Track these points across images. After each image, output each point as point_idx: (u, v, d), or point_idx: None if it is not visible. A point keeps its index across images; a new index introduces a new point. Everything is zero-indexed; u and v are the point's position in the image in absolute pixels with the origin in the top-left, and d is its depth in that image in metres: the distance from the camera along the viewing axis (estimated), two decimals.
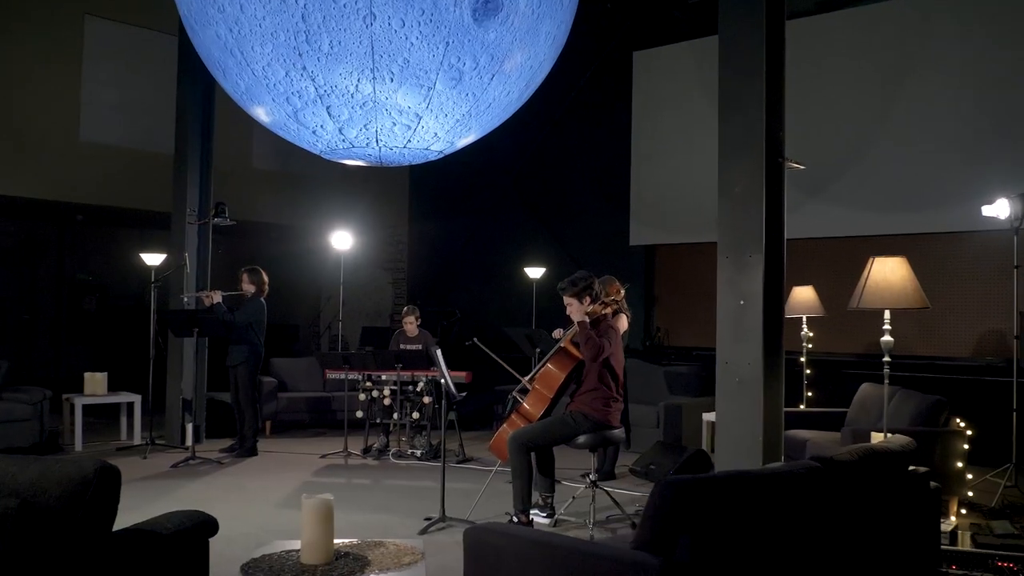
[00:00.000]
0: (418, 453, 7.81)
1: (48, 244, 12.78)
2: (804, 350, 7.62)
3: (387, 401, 7.89)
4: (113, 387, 8.59)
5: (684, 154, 10.22)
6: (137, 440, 8.38)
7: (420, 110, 4.41)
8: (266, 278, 8.03)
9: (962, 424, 5.95)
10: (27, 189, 9.82)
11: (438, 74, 4.25)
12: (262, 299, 7.95)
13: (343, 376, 8.10)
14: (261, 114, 4.73)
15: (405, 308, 8.71)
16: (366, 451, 8.01)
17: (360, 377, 8.00)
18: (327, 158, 4.95)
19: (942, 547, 4.10)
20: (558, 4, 4.49)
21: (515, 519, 5.27)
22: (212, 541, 3.19)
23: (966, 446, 5.73)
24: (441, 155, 4.96)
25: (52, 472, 2.59)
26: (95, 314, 13.15)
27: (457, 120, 4.59)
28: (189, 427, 8.22)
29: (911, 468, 3.65)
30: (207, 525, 3.14)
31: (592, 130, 11.58)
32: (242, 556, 4.51)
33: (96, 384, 8.36)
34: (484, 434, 8.75)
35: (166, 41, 9.24)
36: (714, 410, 5.39)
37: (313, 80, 4.24)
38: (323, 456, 7.93)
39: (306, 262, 12.60)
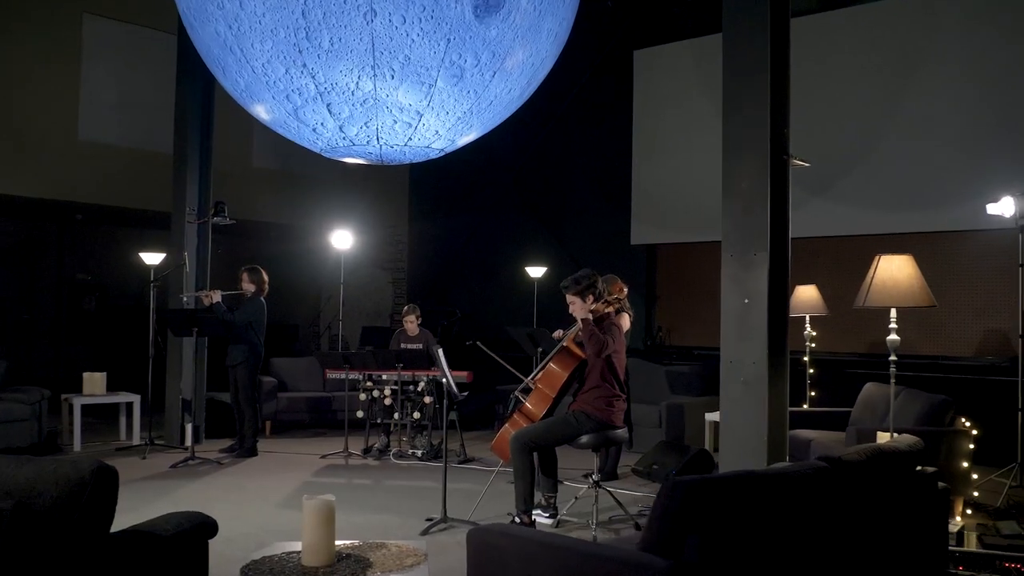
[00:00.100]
0: (419, 453, 7.77)
1: (47, 244, 12.75)
2: (807, 349, 7.59)
3: (388, 401, 7.85)
4: (112, 387, 8.56)
5: (685, 153, 10.19)
6: (136, 440, 8.35)
7: (421, 108, 4.37)
8: (266, 277, 7.99)
9: (967, 424, 5.91)
10: (26, 188, 9.79)
11: (439, 71, 4.22)
12: (262, 298, 7.92)
13: (343, 376, 8.06)
14: (261, 112, 4.69)
15: (406, 307, 8.67)
16: (367, 451, 7.98)
17: (360, 377, 7.96)
18: (327, 156, 4.92)
19: (949, 548, 4.06)
20: (560, 1, 4.45)
21: (517, 519, 5.24)
22: (212, 542, 3.15)
23: (972, 446, 5.70)
24: (442, 153, 4.92)
25: (48, 473, 2.55)
26: (94, 314, 13.12)
27: (458, 118, 4.56)
28: (188, 427, 8.18)
29: (919, 468, 3.62)
30: (207, 527, 3.10)
31: (593, 129, 11.55)
32: (242, 558, 4.47)
33: (95, 384, 8.33)
34: (486, 434, 8.72)
35: (165, 39, 9.20)
36: (717, 409, 5.35)
37: (313, 77, 4.20)
38: (323, 456, 7.90)
39: (306, 261, 12.57)
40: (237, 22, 4.13)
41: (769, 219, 4.94)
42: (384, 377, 7.92)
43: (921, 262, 5.20)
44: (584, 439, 5.25)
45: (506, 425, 5.51)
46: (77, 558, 2.50)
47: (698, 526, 2.54)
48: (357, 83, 4.18)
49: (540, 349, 7.27)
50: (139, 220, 12.00)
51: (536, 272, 10.23)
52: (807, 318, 7.67)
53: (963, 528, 4.65)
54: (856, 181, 8.94)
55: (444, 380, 5.57)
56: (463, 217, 12.72)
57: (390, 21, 3.98)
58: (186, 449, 7.79)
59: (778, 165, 5.00)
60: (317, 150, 4.82)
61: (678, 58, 10.48)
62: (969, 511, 5.50)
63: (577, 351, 5.42)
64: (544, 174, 12.06)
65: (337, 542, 4.41)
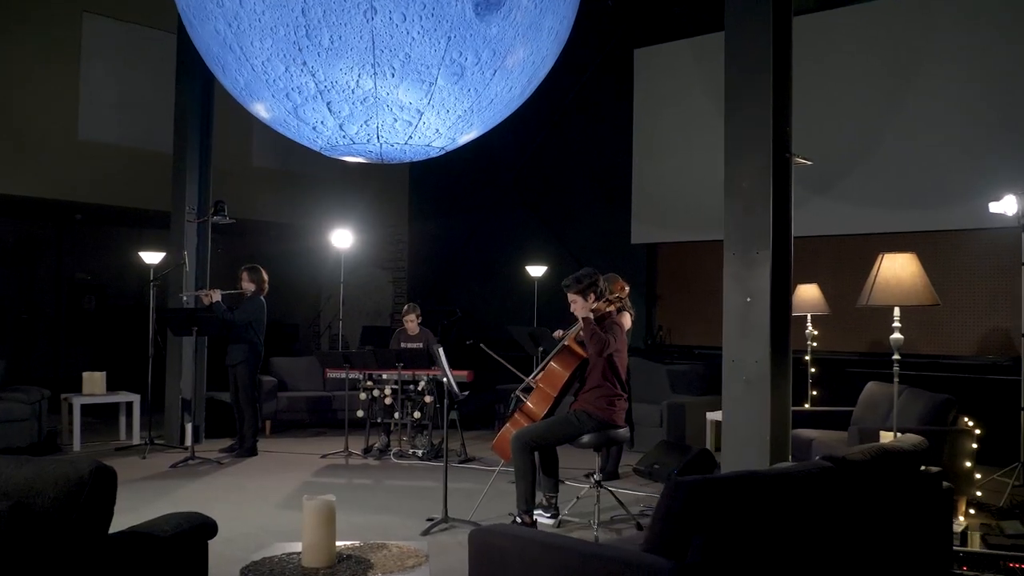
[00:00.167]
0: (419, 453, 7.75)
1: (47, 243, 12.73)
2: (808, 348, 7.57)
3: (388, 400, 7.83)
4: (112, 387, 8.54)
5: (685, 151, 10.17)
6: (136, 440, 8.33)
7: (421, 106, 4.35)
8: (266, 276, 7.97)
9: (970, 423, 5.89)
10: (26, 188, 9.77)
11: (440, 69, 4.20)
12: (262, 298, 7.90)
13: (343, 375, 8.04)
14: (261, 110, 4.67)
15: (406, 306, 8.65)
16: (367, 451, 7.96)
17: (361, 376, 7.94)
18: (327, 155, 4.90)
19: (953, 548, 4.04)
20: None
21: (518, 520, 5.21)
22: (211, 543, 3.13)
23: (975, 445, 5.68)
24: (443, 152, 4.90)
25: (46, 473, 2.53)
26: (94, 313, 13.11)
27: (459, 116, 4.54)
28: (188, 427, 8.16)
29: (922, 468, 3.60)
30: (206, 527, 3.08)
31: (593, 128, 11.53)
32: (242, 558, 4.45)
33: (95, 384, 8.31)
34: (486, 433, 8.70)
35: (165, 38, 9.18)
36: (718, 409, 5.33)
37: (313, 75, 4.19)
38: (323, 456, 7.88)
39: (306, 261, 12.55)
40: (237, 20, 4.11)
41: (771, 217, 4.92)
42: (384, 376, 7.90)
43: (923, 261, 5.17)
44: (585, 439, 5.23)
45: (507, 424, 5.49)
46: (75, 559, 2.48)
47: (702, 527, 2.52)
48: (357, 81, 4.16)
49: (541, 348, 7.24)
50: (139, 220, 11.99)
51: (536, 271, 10.21)
52: (808, 317, 7.65)
53: (967, 528, 4.63)
54: (857, 180, 8.92)
55: (445, 379, 5.55)
56: (463, 216, 12.70)
57: (390, 19, 3.96)
58: (186, 449, 7.77)
59: (780, 163, 4.98)
60: (317, 149, 4.80)
61: (678, 57, 10.46)
62: (972, 511, 5.48)
63: (578, 350, 5.40)
64: (544, 173, 12.03)
65: (337, 543, 4.39)
